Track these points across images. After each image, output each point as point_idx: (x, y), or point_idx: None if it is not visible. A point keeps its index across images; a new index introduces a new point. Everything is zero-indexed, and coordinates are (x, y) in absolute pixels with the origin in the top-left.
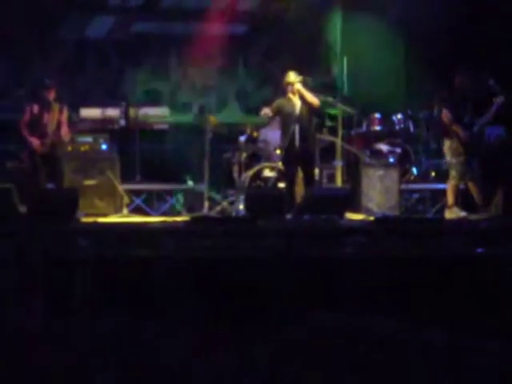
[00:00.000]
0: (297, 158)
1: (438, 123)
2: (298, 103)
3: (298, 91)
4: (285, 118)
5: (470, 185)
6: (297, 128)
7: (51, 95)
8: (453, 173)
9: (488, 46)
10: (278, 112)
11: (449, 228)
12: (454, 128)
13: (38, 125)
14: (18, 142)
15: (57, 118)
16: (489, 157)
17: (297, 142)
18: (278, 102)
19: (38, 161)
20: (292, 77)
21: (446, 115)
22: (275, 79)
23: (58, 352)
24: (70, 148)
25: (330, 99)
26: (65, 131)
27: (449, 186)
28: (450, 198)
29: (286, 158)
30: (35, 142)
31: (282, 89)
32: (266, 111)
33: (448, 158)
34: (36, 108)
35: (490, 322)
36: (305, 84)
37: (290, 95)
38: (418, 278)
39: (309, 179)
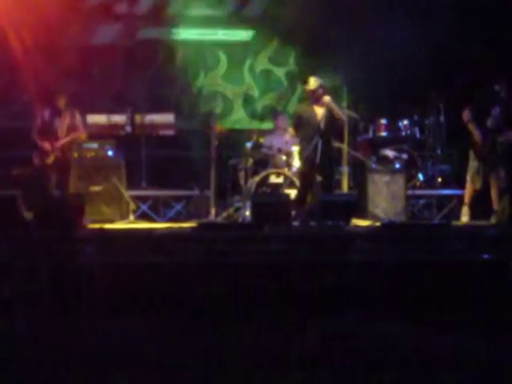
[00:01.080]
0: (316, 168)
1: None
2: (319, 112)
3: (328, 105)
4: (305, 126)
5: (492, 191)
6: (320, 142)
7: (62, 101)
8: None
9: None
10: (300, 122)
11: (455, 234)
12: (470, 127)
13: (48, 131)
14: (23, 148)
15: (68, 123)
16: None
17: (318, 157)
18: (299, 110)
19: (48, 166)
20: (312, 83)
21: (466, 114)
22: (281, 85)
23: (64, 357)
24: (76, 154)
25: (354, 115)
26: (81, 131)
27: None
28: (466, 199)
29: (307, 167)
30: (46, 145)
31: (285, 95)
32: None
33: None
34: (47, 114)
35: (496, 327)
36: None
37: (311, 102)
38: (425, 283)
39: (328, 187)
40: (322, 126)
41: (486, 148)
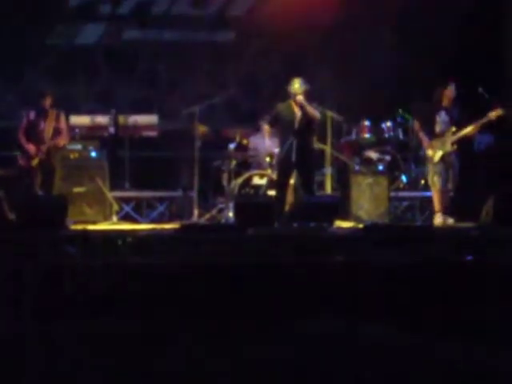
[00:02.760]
0: (292, 169)
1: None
2: (298, 113)
3: (300, 104)
4: (283, 126)
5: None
6: (295, 142)
7: (47, 102)
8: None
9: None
10: (276, 119)
11: (438, 236)
12: (420, 135)
13: (34, 132)
14: (7, 148)
15: (53, 125)
16: (479, 165)
17: (293, 157)
18: (278, 108)
19: (33, 168)
20: (296, 86)
21: (415, 124)
22: (263, 86)
23: (47, 357)
24: (59, 155)
25: (337, 116)
26: (64, 137)
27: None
28: (435, 205)
29: (279, 168)
30: (31, 148)
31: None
32: (265, 126)
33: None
34: (32, 115)
35: (478, 328)
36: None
37: (292, 102)
38: (407, 285)
39: (307, 187)
40: (297, 125)
41: (437, 153)
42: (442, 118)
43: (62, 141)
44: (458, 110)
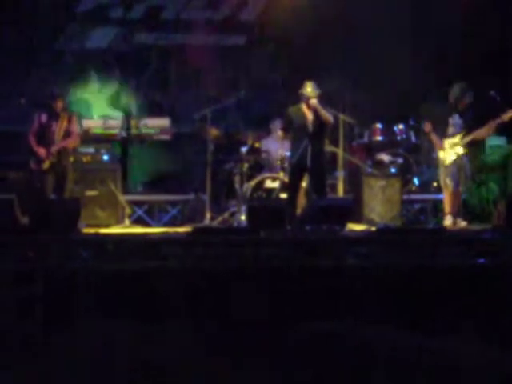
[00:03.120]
0: (304, 172)
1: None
2: (310, 116)
3: (314, 108)
4: (294, 130)
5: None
6: (310, 146)
7: (59, 105)
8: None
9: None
10: (289, 123)
11: (451, 238)
12: (431, 137)
13: (45, 134)
14: (20, 152)
15: (65, 127)
16: (491, 167)
17: (308, 160)
18: (289, 111)
19: (45, 171)
20: (309, 89)
21: (426, 125)
22: (275, 89)
23: (58, 361)
24: (71, 159)
25: (349, 119)
26: (75, 139)
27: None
28: (445, 207)
29: (292, 171)
30: (42, 151)
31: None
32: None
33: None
34: (44, 117)
35: (492, 331)
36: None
37: (303, 106)
38: (420, 288)
39: (320, 190)
40: (311, 129)
41: (449, 155)
42: (455, 120)
43: (72, 143)
44: (471, 113)
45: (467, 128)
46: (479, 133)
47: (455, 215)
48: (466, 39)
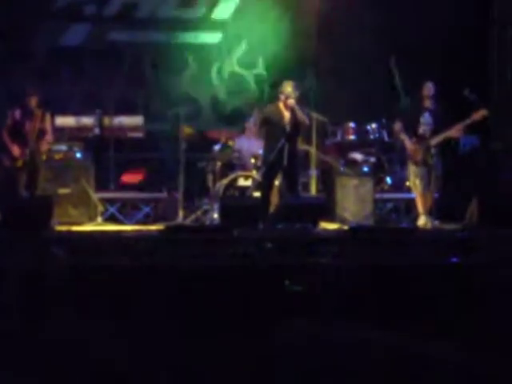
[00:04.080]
0: (279, 170)
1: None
2: (286, 115)
3: (291, 108)
4: (272, 128)
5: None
6: (286, 145)
7: (33, 102)
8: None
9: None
10: (265, 121)
11: (423, 237)
12: (401, 137)
13: (19, 132)
14: None
15: (38, 125)
16: (463, 166)
17: (285, 160)
18: (267, 110)
19: (17, 168)
20: (289, 89)
21: (397, 125)
22: (248, 88)
23: (33, 361)
24: (44, 156)
25: (321, 118)
26: (48, 138)
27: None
28: (418, 207)
29: (266, 169)
30: (16, 149)
31: (253, 98)
32: (252, 127)
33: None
34: (18, 114)
35: (464, 331)
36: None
37: (281, 105)
38: (392, 287)
39: (293, 188)
40: (288, 128)
41: (419, 154)
42: (425, 119)
43: (46, 145)
44: (442, 111)
45: (438, 126)
46: (450, 133)
47: (427, 214)
48: (440, 35)
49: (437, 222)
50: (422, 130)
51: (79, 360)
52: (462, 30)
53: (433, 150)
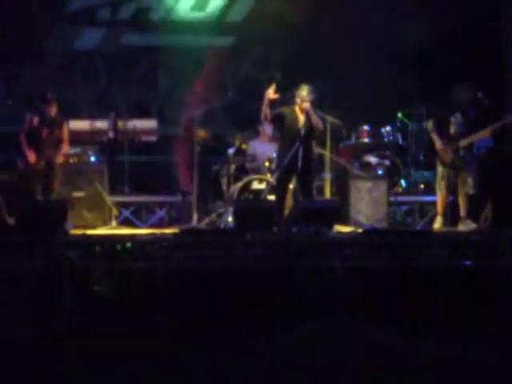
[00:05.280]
0: (294, 174)
1: (425, 135)
2: (301, 119)
3: (306, 111)
4: (285, 130)
5: (460, 197)
6: (301, 149)
7: (53, 110)
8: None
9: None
10: (277, 119)
11: (437, 240)
12: (432, 136)
13: (36, 138)
14: (7, 152)
15: (56, 134)
16: (477, 168)
17: (299, 163)
18: (282, 109)
19: (33, 172)
20: (304, 93)
21: (429, 123)
22: (263, 91)
23: (47, 363)
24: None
25: (336, 121)
26: (64, 150)
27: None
28: (438, 207)
29: (281, 172)
30: (32, 156)
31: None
32: (271, 95)
33: None
34: (36, 121)
35: (478, 333)
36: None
37: (296, 108)
38: (407, 290)
39: (307, 192)
40: (303, 132)
41: (449, 155)
42: (457, 119)
43: (62, 155)
44: (474, 112)
45: (469, 127)
46: (480, 135)
47: (443, 216)
48: (456, 40)
49: (474, 225)
50: (453, 130)
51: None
52: (475, 33)
53: (462, 152)
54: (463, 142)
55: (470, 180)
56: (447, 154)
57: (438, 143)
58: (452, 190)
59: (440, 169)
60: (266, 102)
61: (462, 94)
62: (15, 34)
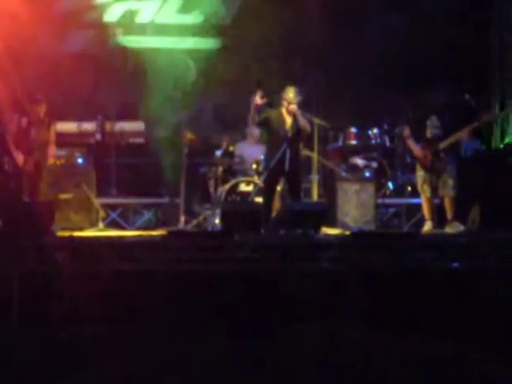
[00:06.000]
0: (281, 176)
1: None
2: (288, 121)
3: (293, 114)
4: (272, 134)
5: (445, 200)
6: (288, 151)
7: (41, 111)
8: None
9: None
10: (264, 123)
11: (425, 242)
12: (409, 143)
13: (24, 140)
14: None
15: (44, 135)
16: (465, 170)
17: (286, 165)
18: (268, 113)
19: (20, 174)
20: (291, 95)
21: (404, 130)
22: (251, 93)
23: (32, 365)
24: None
25: (323, 123)
26: (52, 151)
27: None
28: (425, 213)
29: (268, 174)
30: (20, 158)
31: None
32: (258, 101)
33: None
34: (24, 122)
35: (465, 335)
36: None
37: (283, 110)
38: (394, 292)
39: (295, 194)
40: (290, 134)
41: (428, 159)
42: (433, 122)
43: (50, 157)
44: (449, 114)
45: (445, 130)
46: (458, 135)
47: (433, 220)
48: (442, 41)
49: (462, 227)
50: (429, 133)
51: None
52: (462, 35)
53: (441, 154)
54: (443, 145)
55: (450, 182)
56: (426, 158)
57: (416, 149)
58: (436, 193)
59: (421, 173)
60: (253, 107)
61: (435, 96)
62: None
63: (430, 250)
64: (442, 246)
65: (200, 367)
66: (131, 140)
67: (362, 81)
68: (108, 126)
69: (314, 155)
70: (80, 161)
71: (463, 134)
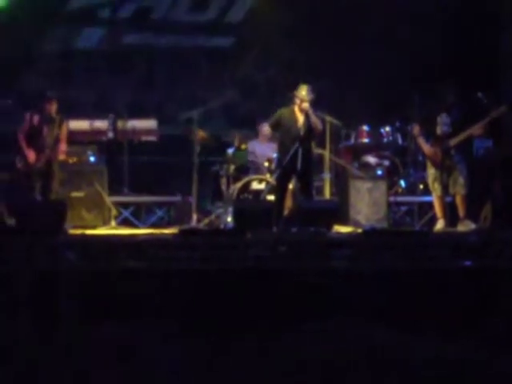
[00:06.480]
0: (293, 174)
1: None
2: (300, 119)
3: (306, 112)
4: (284, 131)
5: (456, 198)
6: (300, 149)
7: (53, 108)
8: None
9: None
10: (277, 124)
11: (437, 241)
12: (419, 141)
13: (36, 137)
14: (5, 152)
15: (56, 133)
16: (477, 169)
17: (299, 163)
18: (280, 113)
19: (32, 172)
20: (303, 93)
21: (414, 128)
22: (261, 91)
23: (45, 365)
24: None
25: (335, 121)
26: (63, 148)
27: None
28: (437, 211)
29: (281, 173)
30: (31, 155)
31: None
32: (267, 129)
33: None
34: (36, 119)
35: (477, 334)
36: None
37: (295, 108)
38: (406, 290)
39: (307, 192)
40: (302, 132)
41: (438, 156)
42: (443, 119)
43: (62, 154)
44: (459, 111)
45: (456, 126)
46: (470, 131)
47: (445, 218)
48: (453, 38)
49: (474, 226)
50: (439, 130)
51: None
52: (473, 31)
53: (452, 152)
54: (453, 142)
55: (461, 179)
56: (437, 156)
57: (426, 147)
58: (447, 190)
59: (432, 171)
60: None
61: (445, 93)
62: (15, 33)
63: (442, 249)
64: (453, 245)
65: (221, 365)
66: (143, 138)
67: (373, 78)
68: (120, 123)
69: (326, 153)
70: (92, 159)
71: (473, 131)
